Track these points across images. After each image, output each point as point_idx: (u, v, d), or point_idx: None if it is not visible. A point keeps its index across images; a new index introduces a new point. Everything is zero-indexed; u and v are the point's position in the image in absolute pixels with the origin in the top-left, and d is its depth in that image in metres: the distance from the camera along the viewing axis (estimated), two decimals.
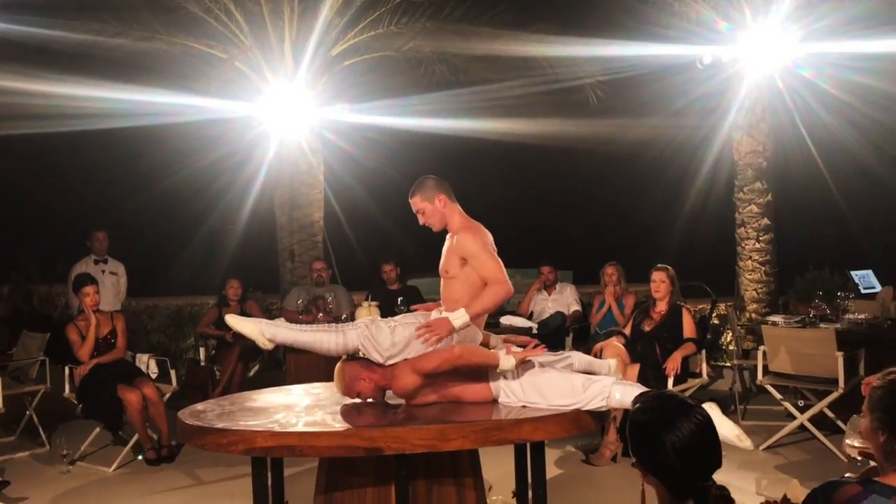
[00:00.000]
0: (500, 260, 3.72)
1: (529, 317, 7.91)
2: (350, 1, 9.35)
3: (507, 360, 3.51)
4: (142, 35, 9.14)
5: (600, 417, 3.66)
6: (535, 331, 7.18)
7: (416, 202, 3.83)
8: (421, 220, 3.86)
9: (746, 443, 3.48)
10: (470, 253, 3.68)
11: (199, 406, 3.91)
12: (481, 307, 3.67)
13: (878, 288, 7.95)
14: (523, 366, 3.60)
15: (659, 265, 6.28)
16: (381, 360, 3.62)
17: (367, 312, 6.94)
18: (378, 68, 10.13)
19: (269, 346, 3.80)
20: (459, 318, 3.60)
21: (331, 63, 9.78)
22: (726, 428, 3.42)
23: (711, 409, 3.44)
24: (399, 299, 7.25)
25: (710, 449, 1.87)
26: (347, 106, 9.57)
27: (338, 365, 3.72)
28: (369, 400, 3.71)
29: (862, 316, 6.66)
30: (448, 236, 3.86)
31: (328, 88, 9.84)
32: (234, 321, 3.83)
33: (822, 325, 6.40)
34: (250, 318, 3.94)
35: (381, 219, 12.02)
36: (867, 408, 2.24)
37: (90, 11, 8.73)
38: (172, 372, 6.85)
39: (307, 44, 9.48)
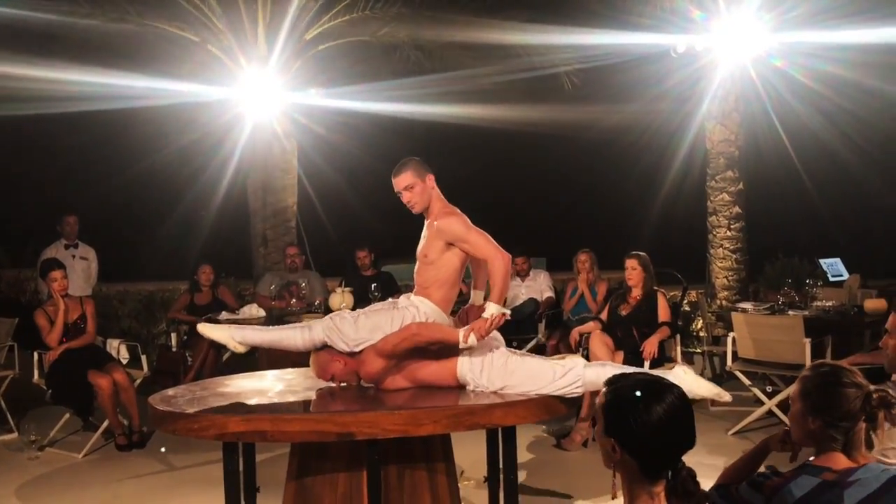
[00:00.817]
0: (486, 233, 3.69)
1: (503, 303, 7.92)
2: None
3: (470, 338, 3.50)
4: (113, 16, 9.00)
5: (571, 402, 3.69)
6: (508, 317, 7.20)
7: (407, 177, 3.70)
8: (406, 198, 3.74)
9: (726, 397, 3.55)
10: (459, 236, 3.65)
11: (170, 391, 3.89)
12: (501, 290, 3.67)
13: (846, 276, 8.07)
14: (491, 353, 3.58)
15: (632, 252, 6.33)
16: (346, 349, 3.62)
17: (341, 298, 6.94)
18: (352, 53, 10.06)
19: (241, 349, 3.85)
20: (494, 309, 3.59)
21: (305, 47, 9.69)
22: (705, 388, 3.49)
23: (687, 372, 3.49)
24: (373, 285, 7.24)
25: (686, 427, 1.89)
26: (322, 90, 9.50)
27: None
28: (343, 384, 3.70)
29: (829, 303, 6.76)
30: (427, 222, 3.80)
31: (302, 73, 9.76)
32: (205, 329, 3.89)
33: (790, 312, 6.49)
34: (220, 326, 4.04)
35: (356, 204, 11.98)
36: (797, 394, 2.35)
37: None
38: (143, 357, 6.79)
39: (281, 28, 9.38)
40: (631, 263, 6.24)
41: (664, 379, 1.95)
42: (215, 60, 9.49)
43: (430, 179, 3.74)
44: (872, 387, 2.30)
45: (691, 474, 1.89)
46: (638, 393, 1.88)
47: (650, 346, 5.93)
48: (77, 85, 8.70)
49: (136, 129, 11.42)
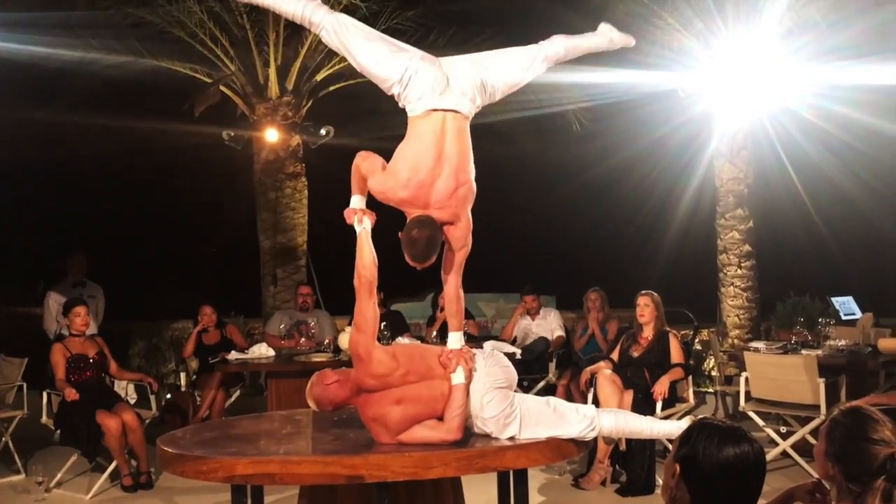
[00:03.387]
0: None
1: (513, 342, 7.89)
2: None
3: (456, 377, 3.44)
4: (126, 58, 9.13)
5: (584, 444, 3.64)
6: (518, 356, 7.16)
7: (432, 260, 3.48)
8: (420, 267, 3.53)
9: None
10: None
11: (179, 433, 3.87)
12: (459, 315, 3.61)
13: (859, 314, 8.00)
14: (513, 408, 3.45)
15: (643, 291, 6.30)
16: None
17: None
18: (362, 93, 10.15)
19: None
20: (456, 341, 3.55)
21: (315, 88, 9.80)
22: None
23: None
24: (382, 324, 7.21)
25: (749, 482, 1.89)
26: (332, 129, 9.58)
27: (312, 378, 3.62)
28: (343, 408, 3.61)
29: (843, 342, 6.69)
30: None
31: (312, 113, 9.86)
32: None
33: (803, 351, 6.42)
34: None
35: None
36: (823, 433, 2.31)
37: (74, 33, 8.69)
38: (152, 397, 6.77)
39: (291, 69, 9.51)
40: (643, 300, 6.20)
41: (748, 433, 1.95)
42: (227, 101, 9.60)
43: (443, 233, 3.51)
44: None
45: None
46: (717, 430, 1.89)
47: (661, 387, 5.87)
48: (89, 126, 8.79)
49: (148, 168, 11.51)
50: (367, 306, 3.50)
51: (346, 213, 3.64)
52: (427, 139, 3.47)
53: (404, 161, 3.50)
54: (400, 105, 3.64)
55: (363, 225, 3.51)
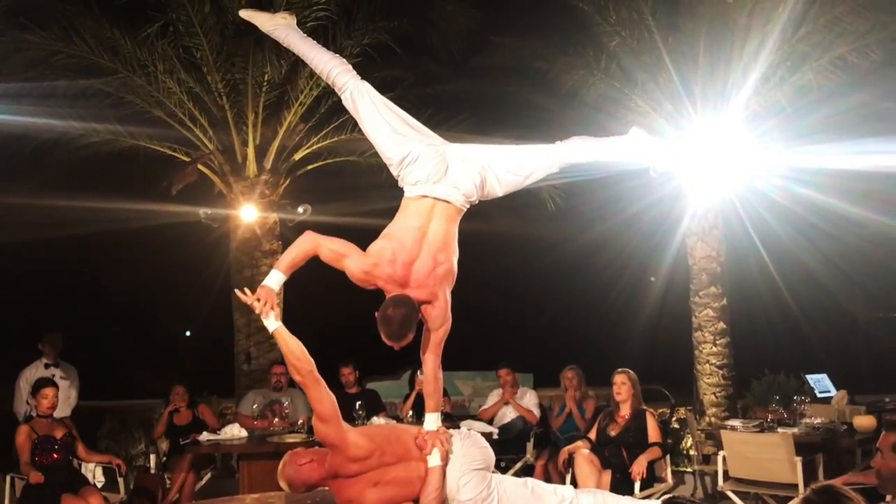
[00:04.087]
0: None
1: (490, 422, 7.82)
2: (314, 108, 9.56)
3: (433, 459, 3.39)
4: (105, 136, 9.21)
5: None
6: (495, 436, 7.09)
7: (409, 339, 3.48)
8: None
9: None
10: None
11: None
12: (435, 396, 3.58)
13: (833, 392, 8.04)
14: (478, 481, 3.43)
15: (620, 368, 6.31)
16: None
17: None
18: (340, 172, 10.28)
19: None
20: (432, 422, 3.51)
21: (293, 167, 9.91)
22: None
23: None
24: (357, 403, 7.13)
25: None
26: (309, 208, 9.64)
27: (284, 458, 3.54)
28: (316, 489, 3.54)
29: (818, 420, 6.71)
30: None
31: (289, 191, 9.94)
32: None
33: (780, 429, 6.42)
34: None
35: (342, 321, 11.94)
36: None
37: (52, 110, 8.76)
38: (121, 480, 6.59)
39: (270, 148, 9.62)
40: (620, 378, 6.21)
41: None
42: (204, 179, 9.66)
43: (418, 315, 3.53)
44: None
45: None
46: None
47: (638, 467, 5.83)
48: (63, 209, 8.77)
49: (119, 249, 11.47)
50: (321, 393, 3.50)
51: (261, 296, 3.67)
52: (414, 220, 3.55)
53: (390, 238, 3.56)
54: (399, 184, 3.73)
55: (276, 322, 3.48)
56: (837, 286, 11.16)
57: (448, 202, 3.58)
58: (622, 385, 6.19)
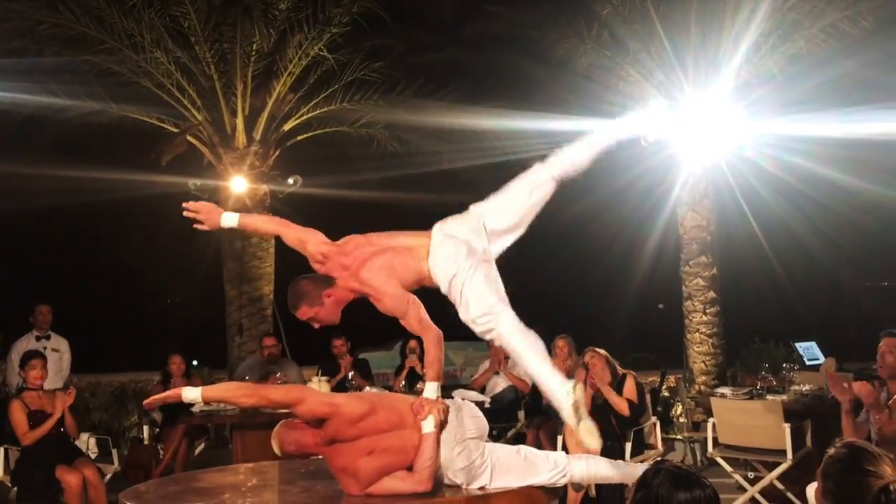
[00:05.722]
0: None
1: (482, 391, 7.87)
2: (303, 78, 9.49)
3: (427, 426, 3.43)
4: (93, 108, 9.13)
5: (555, 492, 3.63)
6: (487, 405, 7.13)
7: (305, 312, 3.54)
8: (316, 327, 3.61)
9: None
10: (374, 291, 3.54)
11: (142, 487, 3.79)
12: (436, 365, 3.58)
13: (822, 359, 8.11)
14: (483, 459, 3.45)
15: (586, 348, 6.39)
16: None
17: (318, 388, 6.84)
18: (331, 142, 10.24)
19: None
20: (432, 391, 3.54)
21: (283, 137, 9.85)
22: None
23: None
24: (350, 373, 7.17)
25: None
26: (300, 179, 9.60)
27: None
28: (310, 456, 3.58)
29: (807, 387, 6.77)
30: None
31: (280, 162, 9.89)
32: None
33: (768, 396, 6.48)
34: None
35: None
36: (821, 472, 2.26)
37: (39, 83, 8.68)
38: (114, 451, 6.61)
39: (259, 119, 9.56)
40: (587, 357, 6.32)
41: (704, 478, 1.96)
42: (194, 150, 9.60)
43: (328, 295, 3.54)
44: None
45: None
46: (671, 475, 1.90)
47: (586, 396, 5.94)
48: (53, 179, 8.72)
49: (109, 220, 11.41)
50: (276, 391, 3.60)
51: (201, 209, 3.72)
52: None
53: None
54: None
55: (196, 390, 3.46)
56: (827, 255, 11.23)
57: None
58: (592, 359, 6.28)
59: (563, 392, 3.35)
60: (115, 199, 9.59)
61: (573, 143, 3.80)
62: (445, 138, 9.96)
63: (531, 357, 3.42)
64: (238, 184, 9.42)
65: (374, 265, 3.51)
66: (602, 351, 6.28)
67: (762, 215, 9.92)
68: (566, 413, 3.33)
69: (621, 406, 6.05)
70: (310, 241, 3.66)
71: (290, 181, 9.45)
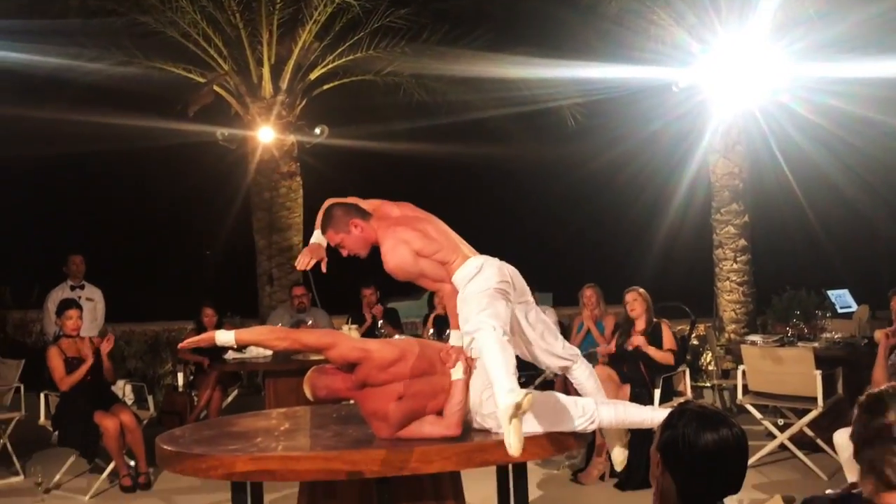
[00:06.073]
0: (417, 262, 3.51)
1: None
2: (329, 26, 9.40)
3: (456, 373, 3.45)
4: (119, 60, 9.13)
5: (584, 437, 3.65)
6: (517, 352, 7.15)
7: (332, 237, 3.59)
8: (344, 254, 3.65)
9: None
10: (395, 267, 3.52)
11: (177, 431, 3.86)
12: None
13: (854, 307, 8.03)
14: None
15: (630, 287, 6.33)
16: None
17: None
18: (357, 92, 10.17)
19: None
20: (458, 338, 3.55)
21: (309, 87, 9.80)
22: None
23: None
24: (380, 322, 7.24)
25: (731, 467, 1.86)
26: (326, 129, 9.57)
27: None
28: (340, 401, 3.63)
29: (839, 335, 6.72)
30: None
31: (306, 112, 9.86)
32: None
33: (800, 344, 6.45)
34: None
35: None
36: (854, 417, 2.23)
37: (67, 36, 8.69)
38: (150, 398, 6.77)
39: (285, 67, 9.51)
40: (631, 296, 6.24)
41: (731, 417, 1.93)
42: (220, 100, 9.59)
43: (356, 225, 3.56)
44: None
45: None
46: (696, 416, 1.87)
47: (638, 340, 5.93)
48: (84, 126, 8.78)
49: (139, 170, 11.49)
50: (310, 334, 3.63)
51: (314, 252, 3.70)
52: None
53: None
54: None
55: (230, 333, 3.45)
56: (863, 201, 11.01)
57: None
58: (634, 301, 6.22)
59: (509, 395, 3.09)
60: (144, 148, 9.66)
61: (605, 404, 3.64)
62: (473, 87, 9.85)
63: (494, 360, 3.26)
64: (265, 133, 9.43)
65: (403, 234, 3.51)
66: (644, 292, 6.24)
67: (796, 161, 9.73)
68: (500, 413, 3.11)
69: (666, 358, 6.02)
70: (359, 201, 3.70)
71: (317, 131, 9.44)
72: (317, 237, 3.73)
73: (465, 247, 3.65)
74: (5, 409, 6.81)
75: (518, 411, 3.09)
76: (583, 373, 3.84)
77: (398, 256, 3.49)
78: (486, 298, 3.40)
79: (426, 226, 3.60)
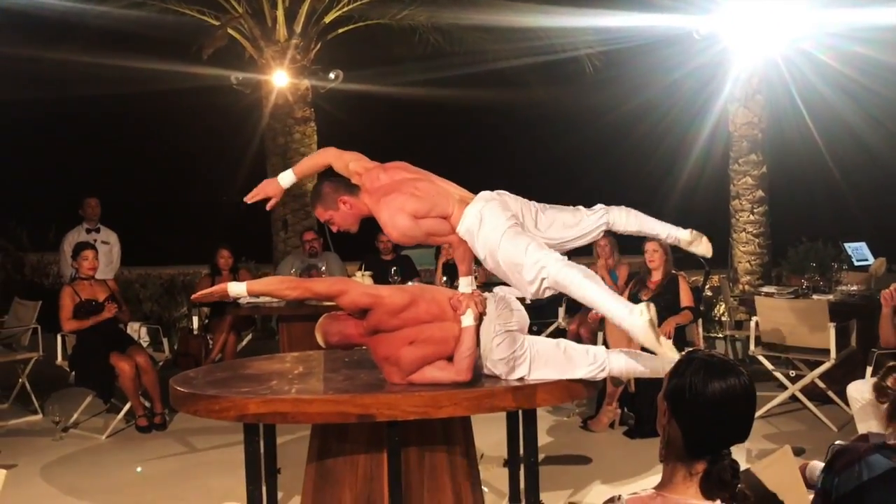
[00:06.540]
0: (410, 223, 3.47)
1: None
2: None
3: (466, 319, 3.45)
4: (133, 1, 9.03)
5: (594, 385, 3.66)
6: (528, 301, 7.16)
7: (321, 213, 3.60)
8: (335, 229, 3.65)
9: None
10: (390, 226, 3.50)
11: (192, 373, 3.91)
12: (467, 260, 3.61)
13: (871, 260, 7.95)
14: (523, 350, 3.46)
15: (652, 239, 6.26)
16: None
17: (361, 282, 6.92)
18: (372, 36, 10.04)
19: None
20: (466, 285, 3.58)
21: (324, 30, 9.68)
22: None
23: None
24: (393, 269, 7.25)
25: (739, 416, 1.85)
26: (341, 74, 9.48)
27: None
28: (352, 347, 3.65)
29: (854, 288, 6.67)
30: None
31: (321, 56, 9.75)
32: None
33: (814, 296, 6.41)
34: None
35: None
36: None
37: None
38: (165, 340, 6.85)
39: (300, 11, 9.37)
40: (652, 246, 6.17)
41: (739, 365, 1.90)
42: (235, 44, 9.50)
43: (345, 202, 3.53)
44: None
45: (733, 466, 1.83)
46: (704, 364, 1.85)
47: (667, 327, 5.88)
48: (99, 69, 8.73)
49: (158, 113, 11.45)
50: (320, 282, 3.69)
51: (269, 191, 3.75)
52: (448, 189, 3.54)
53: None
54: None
55: (241, 285, 3.44)
56: (884, 151, 10.81)
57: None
58: (654, 252, 6.16)
59: (634, 316, 3.19)
60: (160, 91, 9.62)
61: (633, 214, 3.70)
62: (490, 34, 9.69)
63: (590, 289, 3.27)
64: (279, 78, 9.35)
65: (395, 202, 3.46)
66: (665, 244, 6.17)
67: (818, 111, 9.55)
68: (643, 337, 3.17)
69: (686, 318, 6.00)
70: (352, 160, 3.67)
71: (332, 76, 9.35)
72: (282, 177, 3.74)
73: (458, 192, 3.59)
74: (23, 349, 6.92)
75: (654, 326, 3.09)
76: (619, 216, 3.71)
77: (399, 225, 3.46)
78: (512, 240, 3.34)
79: (415, 185, 3.52)
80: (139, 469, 4.48)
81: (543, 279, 3.29)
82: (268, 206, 3.80)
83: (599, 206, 3.69)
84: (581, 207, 3.70)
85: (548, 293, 3.38)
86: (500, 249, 3.36)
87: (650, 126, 12.38)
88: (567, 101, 11.97)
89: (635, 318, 3.15)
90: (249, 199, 3.79)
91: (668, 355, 3.15)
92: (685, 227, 4.01)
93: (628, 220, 3.72)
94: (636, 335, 3.16)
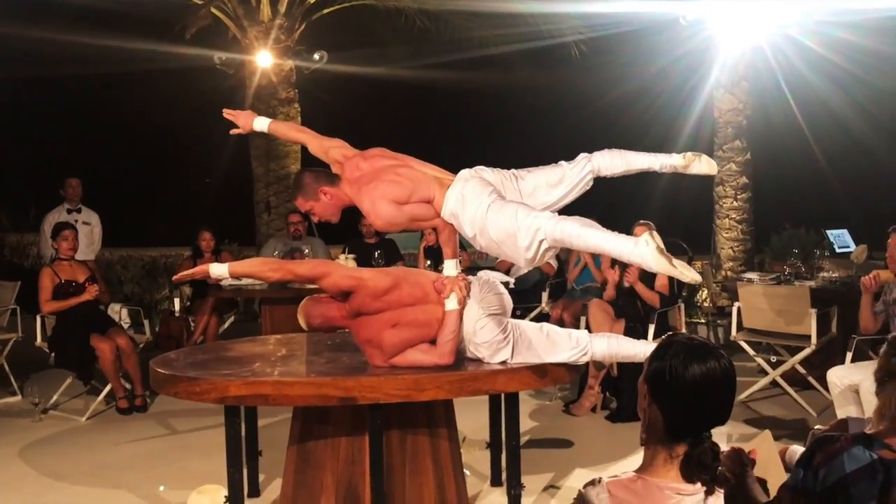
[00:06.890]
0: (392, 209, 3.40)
1: (507, 272, 7.89)
2: None
3: (450, 303, 3.44)
4: None
5: (576, 369, 3.67)
6: (512, 285, 7.15)
7: (301, 204, 3.54)
8: (315, 220, 3.63)
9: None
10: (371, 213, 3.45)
11: (172, 355, 3.88)
12: (451, 243, 3.54)
13: (853, 247, 7.99)
14: (507, 334, 3.46)
15: (641, 221, 6.27)
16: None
17: (345, 265, 6.89)
18: (357, 18, 9.96)
19: None
20: (451, 268, 3.52)
21: (308, 11, 9.59)
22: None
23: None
24: (376, 252, 7.21)
25: (719, 399, 1.84)
26: (326, 55, 9.40)
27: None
28: (335, 330, 3.63)
29: (835, 274, 6.71)
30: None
31: (305, 37, 9.67)
32: None
33: (796, 283, 6.44)
34: None
35: None
36: (882, 352, 2.21)
37: None
38: (146, 322, 6.79)
39: None
40: (639, 230, 6.17)
41: (719, 349, 1.89)
42: (220, 24, 9.39)
43: (325, 192, 3.47)
44: None
45: (713, 449, 1.84)
46: (683, 348, 1.84)
47: (631, 277, 5.92)
48: (80, 48, 8.62)
49: (141, 93, 11.33)
50: (303, 265, 3.67)
51: (240, 119, 3.76)
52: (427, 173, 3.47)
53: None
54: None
55: (223, 267, 3.46)
56: (869, 137, 10.85)
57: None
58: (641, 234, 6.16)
59: (640, 247, 3.07)
60: (143, 71, 9.51)
61: (616, 153, 3.56)
62: (476, 18, 9.63)
63: (592, 236, 3.23)
64: (263, 58, 9.26)
65: (376, 190, 3.39)
66: (652, 226, 6.19)
67: (803, 96, 9.57)
68: (655, 264, 3.04)
69: (653, 299, 6.02)
70: (332, 147, 3.60)
71: (316, 57, 9.28)
72: (258, 120, 3.73)
73: (438, 175, 3.52)
74: (2, 330, 6.84)
75: (664, 251, 3.03)
76: (602, 160, 3.60)
77: (382, 213, 3.40)
78: (499, 211, 3.26)
79: (396, 171, 3.46)
80: (162, 488, 4.40)
81: (542, 241, 3.18)
82: (232, 131, 3.81)
83: (581, 154, 3.59)
84: (562, 162, 3.61)
85: (548, 255, 3.29)
86: (489, 224, 3.28)
87: (639, 112, 12.37)
88: (554, 87, 11.94)
89: (642, 248, 3.06)
90: (227, 113, 3.78)
91: (687, 275, 3.08)
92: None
93: (613, 161, 3.59)
94: (649, 264, 3.06)
